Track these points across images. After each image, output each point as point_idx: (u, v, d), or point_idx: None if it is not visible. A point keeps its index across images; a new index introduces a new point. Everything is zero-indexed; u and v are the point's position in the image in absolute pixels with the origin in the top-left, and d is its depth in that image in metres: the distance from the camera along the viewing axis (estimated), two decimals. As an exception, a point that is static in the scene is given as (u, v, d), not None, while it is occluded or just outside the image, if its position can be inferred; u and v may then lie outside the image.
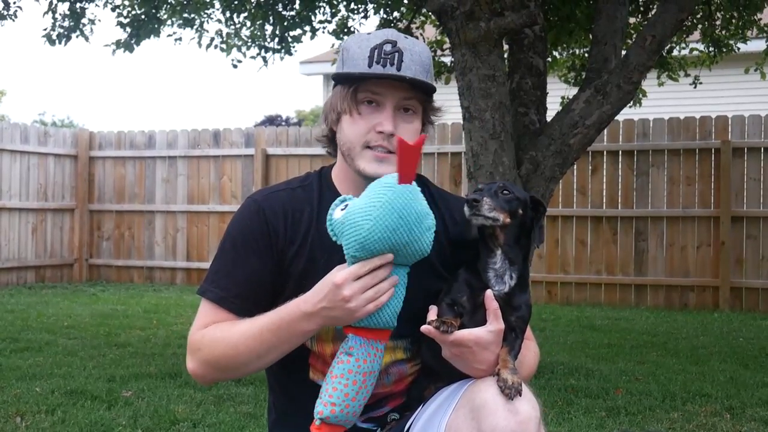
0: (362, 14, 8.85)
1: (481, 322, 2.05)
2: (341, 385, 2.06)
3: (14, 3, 7.85)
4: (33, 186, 12.32)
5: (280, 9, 8.39)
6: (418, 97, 2.23)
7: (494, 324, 2.04)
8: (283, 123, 25.83)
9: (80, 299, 10.33)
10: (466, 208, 2.09)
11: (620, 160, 10.52)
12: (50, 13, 8.02)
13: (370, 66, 2.17)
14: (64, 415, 4.49)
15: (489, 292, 2.06)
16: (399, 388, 2.30)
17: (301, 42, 8.72)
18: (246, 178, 12.04)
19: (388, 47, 2.20)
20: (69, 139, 13.01)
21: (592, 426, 4.42)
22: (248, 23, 8.85)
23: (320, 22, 8.75)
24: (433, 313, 2.09)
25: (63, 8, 8.03)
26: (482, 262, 2.13)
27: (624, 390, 5.31)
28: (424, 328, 2.04)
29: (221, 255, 2.27)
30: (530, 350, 2.30)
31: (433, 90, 2.25)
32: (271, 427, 2.43)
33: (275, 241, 2.23)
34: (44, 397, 4.89)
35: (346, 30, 8.74)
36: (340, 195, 2.17)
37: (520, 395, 1.99)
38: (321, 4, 8.56)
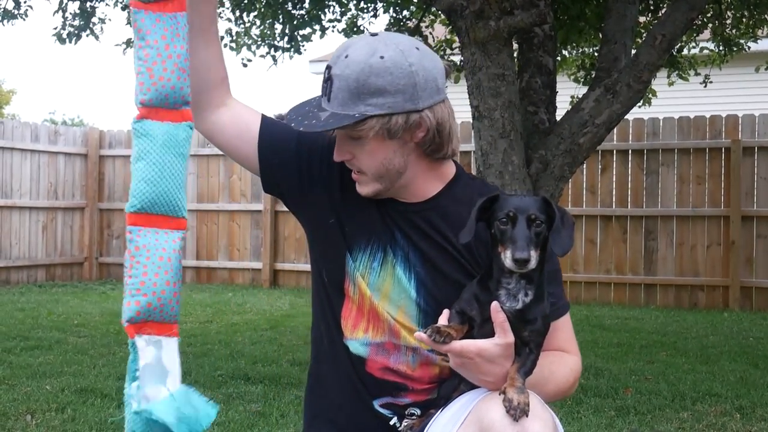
0: (372, 13, 8.85)
1: (490, 334, 1.99)
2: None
3: (25, 2, 7.87)
4: (43, 185, 12.36)
5: (290, 8, 8.39)
6: (356, 129, 2.15)
7: (501, 337, 1.96)
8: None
9: (90, 297, 10.35)
10: (512, 265, 1.97)
11: (630, 159, 10.50)
12: (60, 12, 8.04)
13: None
14: (75, 413, 4.49)
15: (495, 305, 1.97)
16: (422, 376, 2.26)
17: (311, 41, 8.72)
18: (256, 177, 11.95)
19: (326, 73, 2.19)
20: (79, 137, 13.04)
21: (601, 425, 4.41)
22: (258, 22, 8.85)
23: (330, 21, 8.75)
24: (444, 317, 2.06)
25: (73, 7, 8.05)
26: (494, 280, 2.03)
27: (633, 389, 5.30)
28: (417, 335, 2.01)
29: None
30: (564, 365, 2.20)
31: (354, 120, 2.12)
32: (306, 394, 2.45)
33: None
34: (54, 395, 4.90)
35: (355, 29, 8.75)
36: None
37: (527, 416, 1.91)
38: (330, 3, 8.54)
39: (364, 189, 2.24)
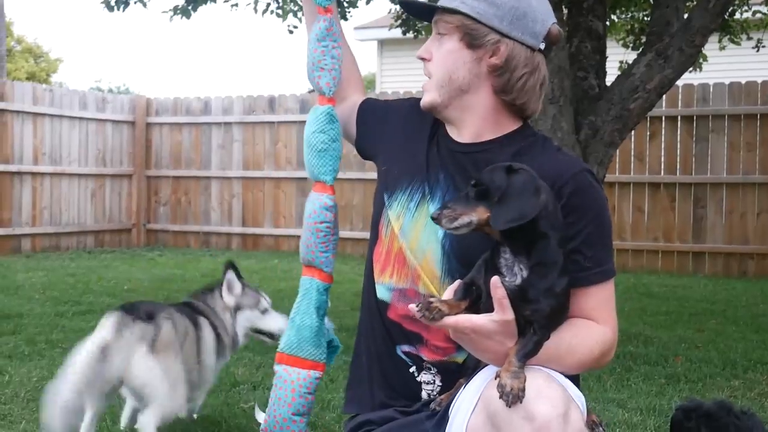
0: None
1: (492, 308, 1.91)
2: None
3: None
4: (92, 152, 12.49)
5: (336, -26, 8.35)
6: (443, 18, 2.28)
7: (499, 314, 1.88)
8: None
9: (139, 264, 10.47)
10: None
11: (679, 125, 10.39)
12: (109, -21, 8.06)
13: None
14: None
15: (494, 279, 1.87)
16: (438, 330, 2.20)
17: (357, 7, 8.67)
18: (301, 144, 12.04)
19: None
20: (126, 105, 13.14)
21: (651, 393, 4.39)
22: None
23: (376, -14, 8.70)
24: (450, 290, 1.99)
25: (121, -26, 8.06)
26: (496, 249, 1.94)
27: (683, 357, 5.27)
28: (410, 307, 1.94)
29: None
30: (588, 337, 2.08)
31: (450, 6, 2.26)
32: (351, 363, 2.52)
33: None
34: (107, 357, 4.96)
35: (401, -5, 8.67)
36: None
37: (520, 401, 1.84)
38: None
39: (426, 97, 2.34)
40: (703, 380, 4.71)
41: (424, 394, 2.29)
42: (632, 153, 10.53)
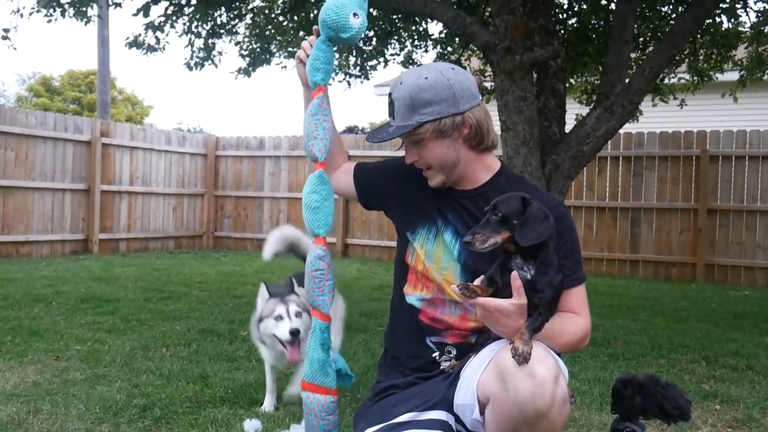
0: (423, 49, 8.80)
1: (509, 296, 1.99)
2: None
3: (164, 39, 7.96)
4: (174, 177, 12.53)
5: (361, 44, 8.39)
6: (413, 134, 2.25)
7: (516, 299, 1.96)
8: (360, 132, 25.84)
9: (207, 262, 10.49)
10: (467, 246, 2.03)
11: (620, 163, 10.34)
12: (189, 46, 8.12)
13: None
14: (198, 347, 4.56)
15: (515, 273, 1.98)
16: (460, 325, 2.29)
17: (376, 70, 8.71)
18: (332, 173, 12.08)
19: (389, 98, 2.30)
20: (201, 142, 13.19)
21: (597, 367, 4.37)
22: (337, 55, 8.85)
23: (391, 54, 8.72)
24: (478, 281, 2.07)
25: (198, 43, 8.13)
26: (507, 256, 2.03)
27: (621, 341, 5.23)
28: (452, 287, 2.04)
29: None
30: (573, 324, 2.16)
31: (413, 127, 2.22)
32: (383, 354, 2.52)
33: None
34: (183, 333, 4.98)
35: (411, 61, 8.71)
36: None
37: (527, 362, 1.91)
38: (392, 41, 8.53)
39: (433, 181, 2.34)
40: (637, 359, 4.68)
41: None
42: (584, 184, 10.49)
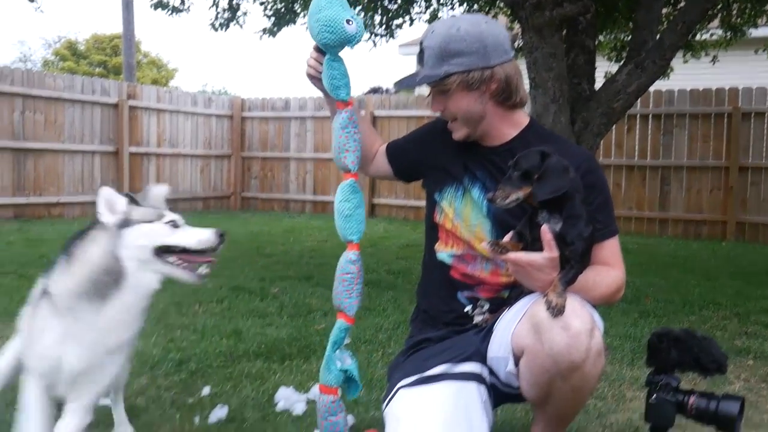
0: (450, 6, 8.68)
1: (540, 250, 1.99)
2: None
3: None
4: (201, 139, 12.58)
5: (387, 3, 8.30)
6: (441, 84, 2.23)
7: (548, 252, 1.96)
8: (385, 92, 25.69)
9: (235, 222, 10.57)
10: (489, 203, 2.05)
11: (650, 121, 10.21)
12: (214, 7, 8.09)
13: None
14: (230, 304, 4.62)
15: (545, 227, 1.97)
16: (492, 280, 2.29)
17: (402, 28, 8.61)
18: (358, 134, 12.05)
19: (420, 47, 2.26)
20: (226, 103, 13.20)
21: (627, 324, 4.36)
22: (362, 15, 8.76)
23: (417, 12, 8.62)
24: (507, 236, 2.06)
25: (223, 4, 8.09)
26: (534, 211, 2.03)
27: (652, 298, 5.21)
28: (482, 244, 2.06)
29: None
30: (607, 276, 2.16)
31: (440, 77, 2.20)
32: (414, 310, 2.54)
33: None
34: (214, 291, 5.03)
35: (437, 19, 8.61)
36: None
37: (562, 314, 1.92)
38: (418, -1, 8.44)
39: (457, 134, 2.32)
40: (668, 316, 4.67)
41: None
42: (613, 142, 10.37)
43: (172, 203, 2.37)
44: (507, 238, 2.04)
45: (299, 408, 2.78)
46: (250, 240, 8.21)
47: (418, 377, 2.27)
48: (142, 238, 2.05)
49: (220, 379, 3.12)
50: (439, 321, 2.40)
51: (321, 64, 2.22)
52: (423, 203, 2.56)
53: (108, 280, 2.01)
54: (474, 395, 2.20)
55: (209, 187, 12.77)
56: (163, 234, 2.08)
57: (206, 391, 2.94)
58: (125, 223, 2.06)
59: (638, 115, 10.20)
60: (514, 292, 2.27)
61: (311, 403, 2.83)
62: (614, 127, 9.71)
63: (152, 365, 3.28)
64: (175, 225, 2.12)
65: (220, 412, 2.67)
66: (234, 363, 3.35)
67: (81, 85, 10.63)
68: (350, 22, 2.16)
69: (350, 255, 2.28)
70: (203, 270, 2.13)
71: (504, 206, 1.99)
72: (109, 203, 2.08)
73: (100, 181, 10.81)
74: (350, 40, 2.17)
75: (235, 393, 2.94)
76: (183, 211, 9.12)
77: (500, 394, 2.28)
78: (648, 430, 2.33)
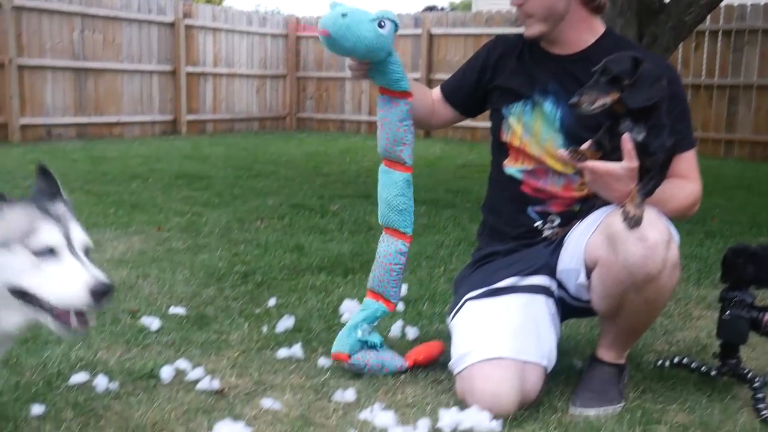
0: None
1: (618, 161, 1.94)
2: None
3: None
4: (256, 58, 12.53)
5: None
6: None
7: (627, 162, 1.91)
8: (440, 10, 25.10)
9: (291, 143, 10.59)
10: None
11: (719, 38, 9.78)
12: None
13: None
14: (291, 220, 4.66)
15: (626, 136, 1.92)
16: (564, 194, 2.26)
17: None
18: (414, 53, 11.86)
19: None
20: (281, 22, 13.07)
21: (693, 244, 4.27)
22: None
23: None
24: (586, 145, 2.02)
25: None
26: (616, 119, 1.97)
27: (718, 219, 5.08)
28: (559, 152, 2.01)
29: None
30: (683, 189, 2.13)
31: None
32: (481, 224, 2.51)
33: None
34: (275, 208, 5.08)
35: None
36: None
37: (639, 225, 1.88)
38: None
39: (531, 30, 2.27)
40: (735, 236, 4.55)
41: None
42: (680, 60, 9.98)
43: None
44: (585, 146, 1.99)
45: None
46: (307, 160, 8.24)
47: (485, 290, 2.27)
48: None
49: (285, 291, 3.17)
50: (508, 236, 2.38)
51: (366, 67, 2.25)
52: (479, 124, 2.55)
53: None
54: (542, 308, 2.19)
55: (265, 107, 12.78)
56: (18, 270, 1.42)
57: (272, 302, 3.00)
58: None
59: (707, 32, 9.77)
60: (586, 205, 2.23)
61: (375, 316, 2.86)
62: (681, 44, 9.36)
63: (218, 277, 3.34)
64: (50, 252, 1.44)
65: (287, 322, 2.72)
66: (298, 276, 3.40)
67: (137, 4, 10.62)
68: (382, 24, 2.14)
69: (401, 246, 2.31)
70: (75, 323, 1.48)
71: (589, 112, 1.93)
72: None
73: (159, 101, 10.91)
74: (388, 40, 2.17)
75: (300, 304, 2.99)
76: (239, 131, 9.28)
77: (568, 308, 2.27)
78: (719, 347, 2.30)
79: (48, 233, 1.44)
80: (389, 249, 2.30)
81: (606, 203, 2.08)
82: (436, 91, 2.53)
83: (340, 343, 2.30)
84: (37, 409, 2.00)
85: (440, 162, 8.37)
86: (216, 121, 11.85)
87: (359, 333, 2.29)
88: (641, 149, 1.92)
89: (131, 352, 2.46)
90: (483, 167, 7.33)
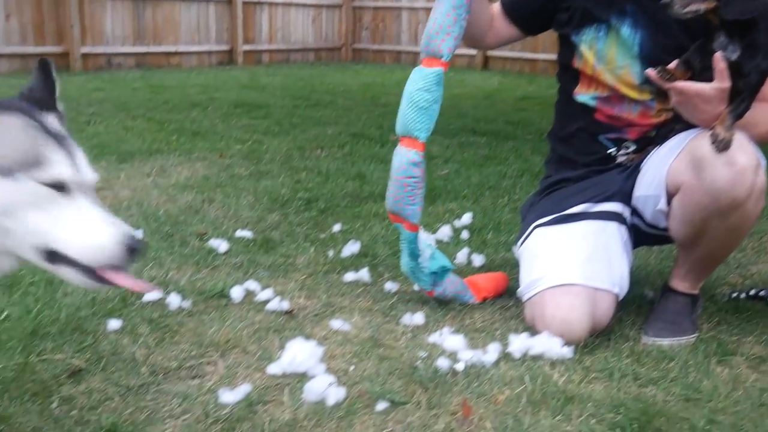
0: None
1: (709, 81, 1.84)
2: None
3: None
4: (312, -13, 12.38)
5: None
6: None
7: (719, 82, 1.81)
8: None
9: (347, 74, 10.50)
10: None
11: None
12: None
13: None
14: (352, 149, 4.64)
15: (718, 54, 1.81)
16: (641, 121, 2.18)
17: None
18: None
19: None
20: (337, -50, 12.84)
21: None
22: None
23: None
24: (673, 64, 1.93)
25: None
26: (710, 36, 1.87)
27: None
28: (647, 71, 1.90)
29: None
30: None
31: None
32: (548, 156, 2.45)
33: None
34: (335, 137, 5.06)
35: None
36: None
37: (728, 149, 1.80)
38: None
39: None
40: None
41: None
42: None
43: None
44: (673, 65, 1.90)
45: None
46: (364, 90, 8.16)
47: (555, 216, 2.23)
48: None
49: (349, 217, 3.17)
50: (579, 163, 2.31)
51: None
52: (539, 56, 2.46)
53: None
54: (614, 235, 2.15)
55: (321, 38, 12.66)
56: (27, 210, 1.08)
57: (337, 228, 3.00)
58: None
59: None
60: (663, 130, 2.16)
61: (438, 243, 2.85)
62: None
63: (282, 203, 3.36)
64: (60, 189, 1.10)
65: (352, 247, 2.72)
66: (361, 203, 3.40)
67: (194, -69, 10.52)
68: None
69: (413, 156, 2.06)
70: (108, 278, 1.18)
71: (680, 15, 1.82)
72: None
73: (215, 31, 10.88)
74: None
75: (365, 231, 2.99)
76: (295, 62, 9.20)
77: (642, 235, 2.22)
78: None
79: (59, 164, 1.08)
80: (401, 161, 2.07)
81: (688, 127, 2.00)
82: (496, 6, 2.39)
83: (423, 284, 2.23)
84: (113, 324, 2.05)
85: (499, 94, 8.20)
86: (272, 52, 11.80)
87: (425, 270, 2.20)
88: (734, 69, 1.82)
89: (201, 272, 2.50)
90: (543, 100, 7.22)
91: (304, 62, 12.13)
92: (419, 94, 2.03)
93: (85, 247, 1.09)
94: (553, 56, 2.44)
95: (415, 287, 2.35)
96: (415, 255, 2.19)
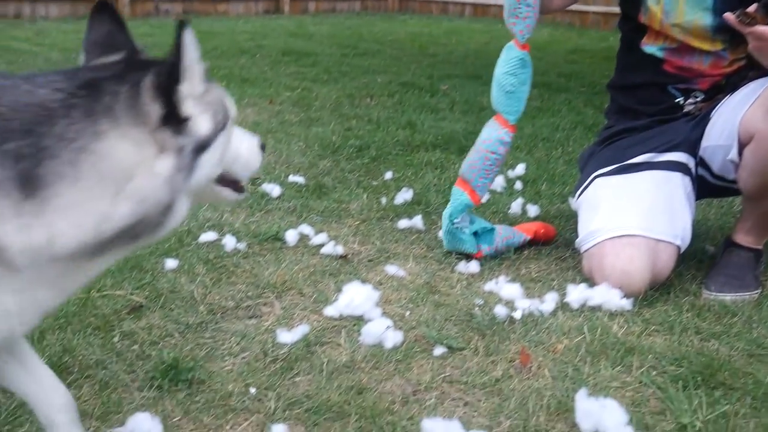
0: None
1: None
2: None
3: None
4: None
5: None
6: None
7: None
8: None
9: (394, 24, 10.34)
10: None
11: None
12: None
13: None
14: (401, 98, 4.58)
15: None
16: (712, 72, 2.10)
17: None
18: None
19: None
20: None
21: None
22: None
23: None
24: (752, 8, 1.83)
25: None
26: None
27: None
28: (726, 15, 1.81)
29: None
30: None
31: None
32: (608, 107, 2.39)
33: None
34: (384, 85, 5.00)
35: None
36: None
37: None
38: None
39: None
40: None
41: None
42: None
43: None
44: (752, 9, 1.81)
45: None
46: (412, 40, 8.04)
47: (617, 166, 2.17)
48: (213, 166, 1.09)
49: (401, 165, 3.14)
50: (643, 113, 2.24)
51: None
52: (589, 8, 2.37)
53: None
54: (678, 185, 2.09)
55: (367, -14, 12.49)
56: (230, 147, 1.13)
57: (389, 175, 2.98)
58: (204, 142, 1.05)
59: None
60: (734, 78, 2.07)
61: (492, 193, 2.81)
62: None
63: (333, 150, 3.34)
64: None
65: (405, 194, 2.70)
66: (412, 152, 3.36)
67: None
68: None
69: (503, 135, 2.13)
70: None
71: None
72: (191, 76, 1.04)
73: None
74: None
75: (417, 179, 2.96)
76: (341, 12, 9.10)
77: (706, 187, 2.15)
78: None
79: (231, 105, 1.13)
80: (491, 135, 2.15)
81: (762, 75, 1.93)
82: None
83: (461, 247, 2.17)
84: (171, 263, 2.07)
85: (550, 46, 8.01)
86: (318, 1, 11.67)
87: (466, 231, 2.16)
88: None
89: (255, 216, 2.50)
90: (595, 53, 7.05)
91: (350, 12, 11.98)
92: (505, 77, 2.12)
93: (253, 164, 1.22)
94: (605, 8, 2.36)
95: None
96: (455, 215, 2.16)
